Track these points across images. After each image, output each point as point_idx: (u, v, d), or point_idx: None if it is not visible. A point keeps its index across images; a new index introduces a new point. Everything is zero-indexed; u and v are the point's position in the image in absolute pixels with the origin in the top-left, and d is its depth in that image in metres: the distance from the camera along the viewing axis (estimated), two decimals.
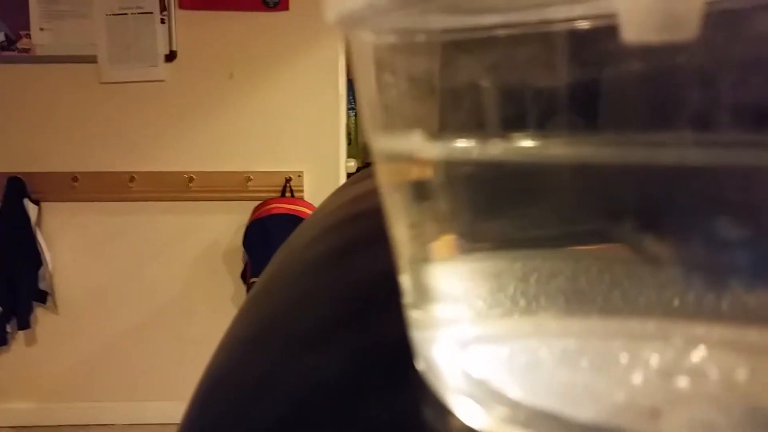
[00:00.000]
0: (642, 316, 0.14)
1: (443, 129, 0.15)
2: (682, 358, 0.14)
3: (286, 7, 2.07)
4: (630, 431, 0.14)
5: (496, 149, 0.14)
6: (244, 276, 2.17)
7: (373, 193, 0.32)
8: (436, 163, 0.15)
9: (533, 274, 0.15)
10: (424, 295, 0.17)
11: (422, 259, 0.17)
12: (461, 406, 0.16)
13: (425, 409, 0.17)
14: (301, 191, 2.17)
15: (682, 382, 0.14)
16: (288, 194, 2.15)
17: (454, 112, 0.15)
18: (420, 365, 0.17)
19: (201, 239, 2.21)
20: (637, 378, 0.14)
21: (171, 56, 2.08)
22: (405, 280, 0.18)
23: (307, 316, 0.22)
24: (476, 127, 0.14)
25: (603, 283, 0.14)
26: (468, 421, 0.15)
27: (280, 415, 0.18)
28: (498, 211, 0.15)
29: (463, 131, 0.15)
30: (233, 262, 2.20)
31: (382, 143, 0.17)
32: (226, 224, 2.19)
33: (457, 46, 0.14)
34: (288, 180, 2.15)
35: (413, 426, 0.16)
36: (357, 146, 2.60)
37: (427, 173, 0.15)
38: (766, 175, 0.12)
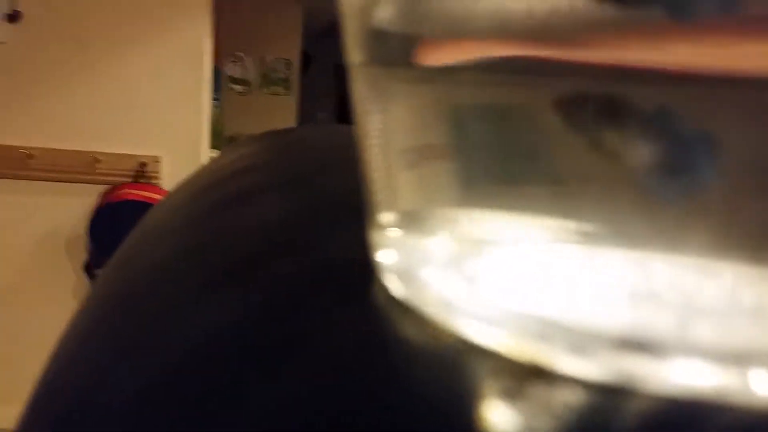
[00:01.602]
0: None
1: None
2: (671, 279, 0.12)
3: None
4: (665, 340, 0.12)
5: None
6: (88, 267, 1.99)
7: (253, 155, 0.29)
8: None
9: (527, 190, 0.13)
10: (412, 210, 0.15)
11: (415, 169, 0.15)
12: (463, 324, 0.13)
13: (409, 331, 0.13)
14: (158, 178, 2.03)
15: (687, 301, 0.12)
16: (142, 180, 2.01)
17: None
18: (398, 290, 0.15)
19: (40, 224, 2.00)
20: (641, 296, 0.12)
21: (15, 16, 1.87)
22: (386, 195, 0.15)
23: (194, 267, 0.18)
24: None
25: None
26: (472, 337, 0.13)
27: (162, 380, 0.14)
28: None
29: None
30: (76, 252, 2.01)
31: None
32: (70, 209, 2.00)
33: None
34: (143, 165, 2.01)
35: (392, 347, 0.13)
36: (220, 139, 2.49)
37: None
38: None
